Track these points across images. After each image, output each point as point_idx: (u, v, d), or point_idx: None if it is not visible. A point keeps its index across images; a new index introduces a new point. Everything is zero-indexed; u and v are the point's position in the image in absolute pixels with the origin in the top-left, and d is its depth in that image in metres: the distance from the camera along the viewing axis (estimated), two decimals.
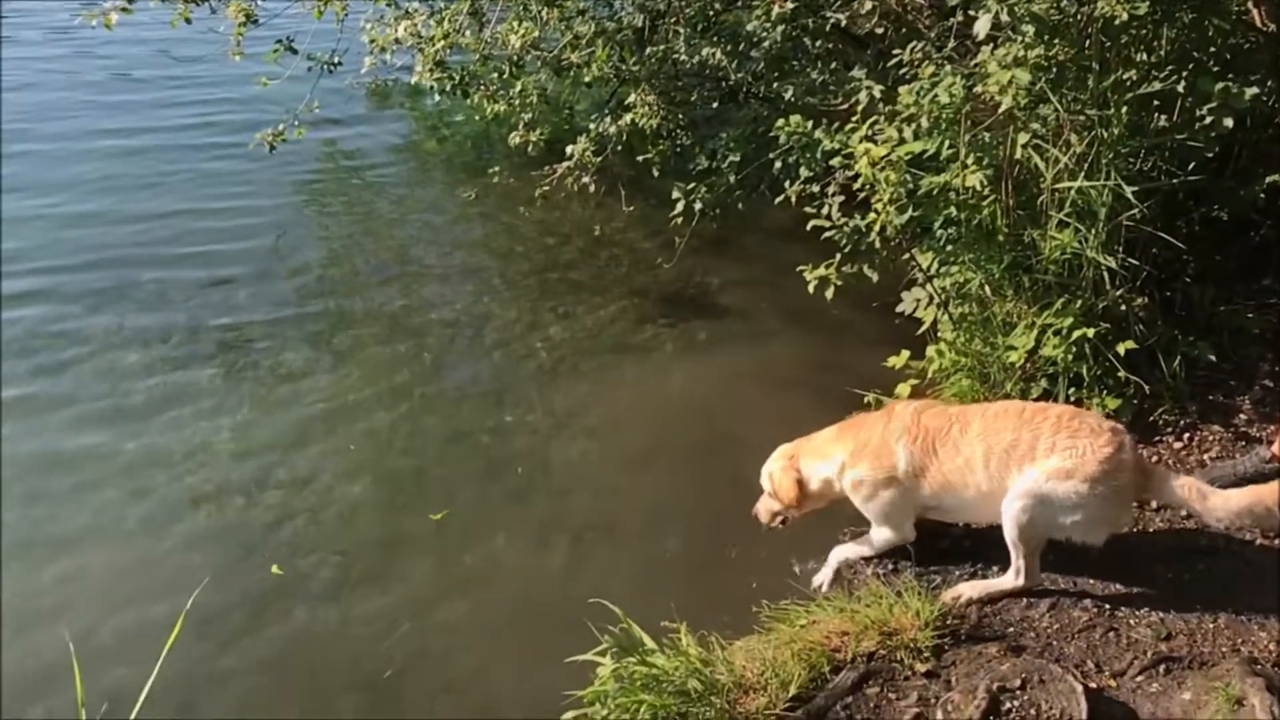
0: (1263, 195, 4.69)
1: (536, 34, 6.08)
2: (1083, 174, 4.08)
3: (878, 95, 4.88)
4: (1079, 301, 4.22)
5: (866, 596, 3.41)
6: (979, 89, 4.16)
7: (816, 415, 4.02)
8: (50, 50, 10.58)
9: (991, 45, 4.18)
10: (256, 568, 4.05)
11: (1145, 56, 4.27)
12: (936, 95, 4.22)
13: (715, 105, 6.53)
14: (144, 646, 3.32)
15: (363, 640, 3.72)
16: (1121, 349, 4.15)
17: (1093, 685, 3.07)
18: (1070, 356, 4.15)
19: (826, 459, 3.61)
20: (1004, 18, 4.04)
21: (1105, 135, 4.04)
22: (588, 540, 4.20)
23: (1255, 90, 4.06)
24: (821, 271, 4.63)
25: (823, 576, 3.79)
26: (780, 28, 5.66)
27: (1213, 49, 4.42)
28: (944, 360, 4.51)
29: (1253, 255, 5.08)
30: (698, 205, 5.79)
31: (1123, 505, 3.42)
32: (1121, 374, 4.18)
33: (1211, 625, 3.34)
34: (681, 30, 6.14)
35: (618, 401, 5.18)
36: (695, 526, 4.17)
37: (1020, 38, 4.09)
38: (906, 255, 4.74)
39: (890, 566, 3.74)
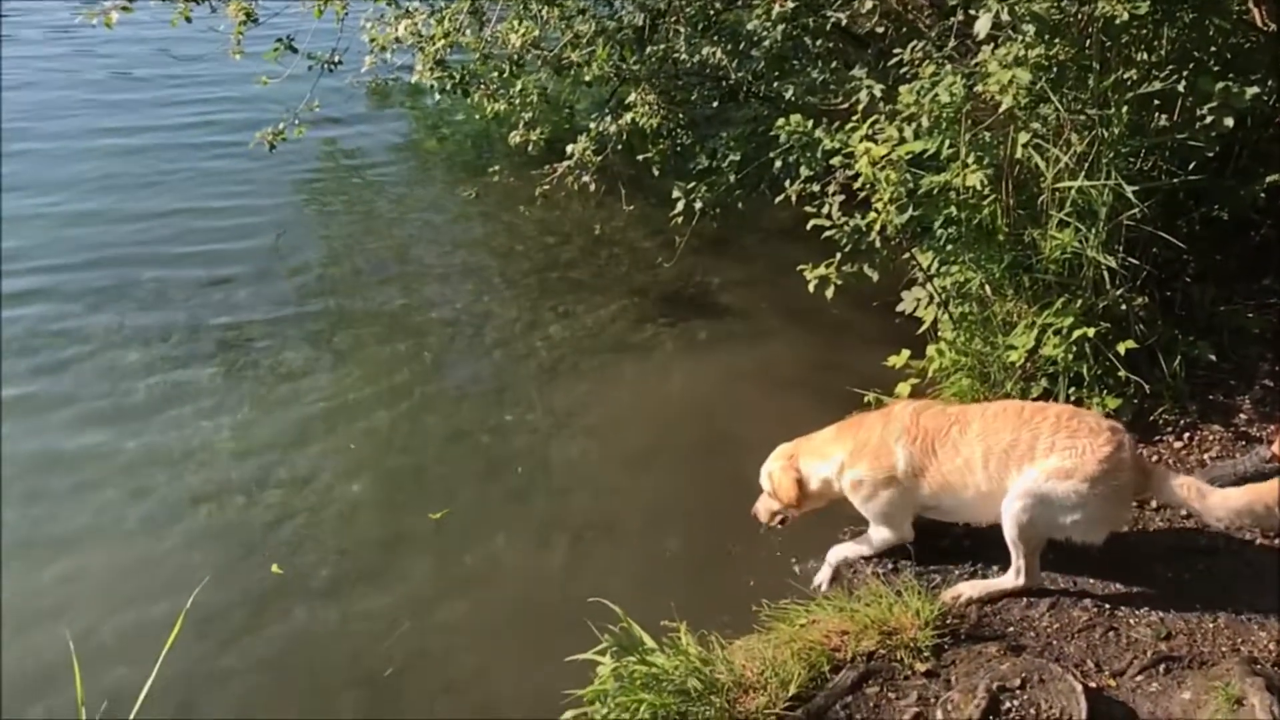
0: (1263, 195, 4.69)
1: (537, 33, 6.08)
2: (1083, 173, 4.08)
3: (878, 94, 4.87)
4: (1079, 301, 4.22)
5: (866, 596, 3.41)
6: (979, 88, 4.16)
7: (816, 414, 4.02)
8: (50, 49, 10.59)
9: (992, 44, 4.18)
10: (256, 567, 4.05)
11: (1146, 56, 4.27)
12: (937, 94, 4.22)
13: (715, 104, 6.53)
14: (144, 646, 3.33)
15: (362, 639, 3.72)
16: (1122, 348, 4.15)
17: (1092, 685, 3.07)
18: (1070, 356, 4.15)
19: (826, 459, 3.61)
20: (1004, 17, 4.04)
21: (1106, 135, 4.04)
22: (588, 539, 4.20)
23: (1256, 90, 4.06)
24: (822, 271, 4.63)
25: (821, 576, 3.79)
26: (781, 27, 5.66)
27: (1213, 48, 4.42)
28: (944, 360, 4.51)
29: (1253, 255, 5.08)
30: (698, 204, 5.79)
31: (1122, 504, 3.43)
32: (1122, 373, 4.18)
33: (1211, 625, 3.34)
34: (682, 29, 6.14)
35: (618, 401, 5.18)
36: (695, 526, 4.17)
37: (1021, 37, 4.09)
38: (907, 255, 4.74)
39: (890, 566, 3.75)
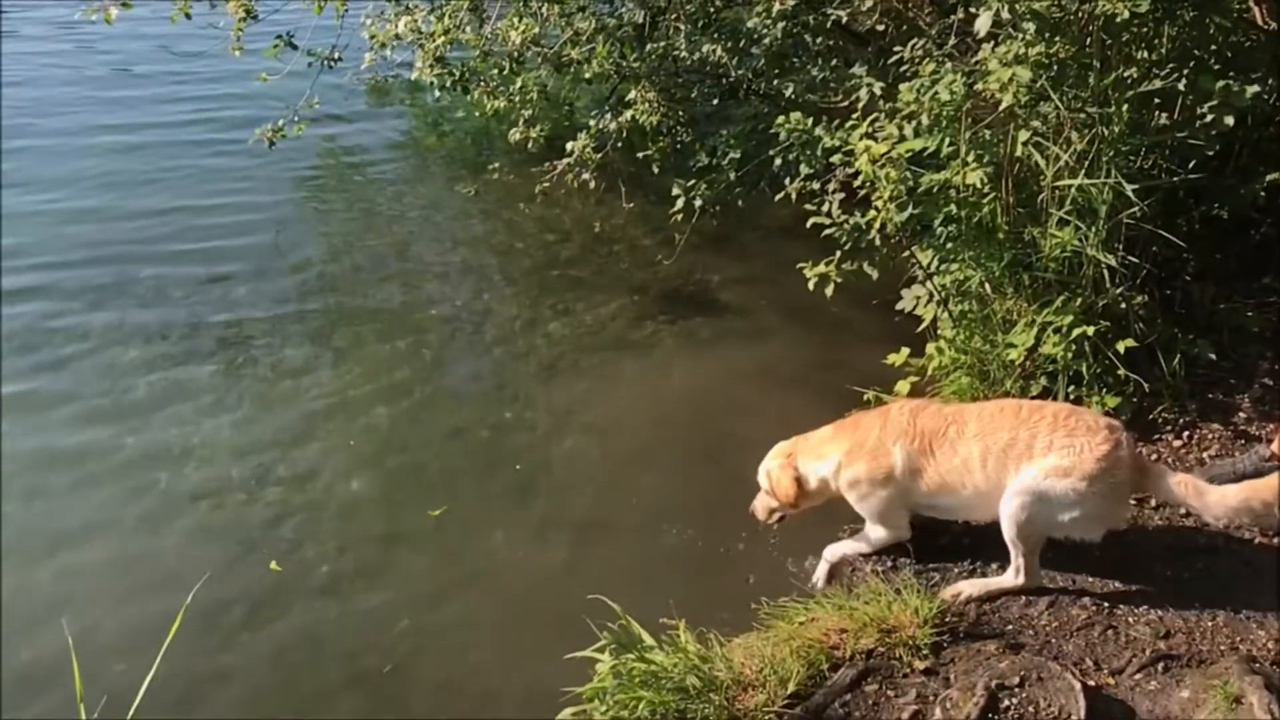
0: (1263, 193, 4.69)
1: (537, 30, 6.08)
2: (1083, 172, 4.08)
3: (878, 92, 4.88)
4: (1079, 299, 4.22)
5: (865, 594, 3.41)
6: (980, 86, 4.15)
7: (816, 412, 4.03)
8: (50, 45, 10.56)
9: (992, 42, 4.18)
10: (256, 564, 4.05)
11: (1146, 54, 4.26)
12: (937, 92, 4.21)
13: (715, 102, 6.53)
14: (143, 642, 3.32)
15: (362, 636, 3.73)
16: (1121, 347, 4.15)
17: (1091, 683, 3.07)
18: (1070, 354, 4.15)
19: (823, 458, 3.62)
20: (1005, 15, 4.04)
21: (1106, 133, 4.03)
22: (587, 537, 4.19)
23: (1256, 88, 4.05)
24: (821, 269, 4.63)
25: (818, 573, 3.80)
26: (781, 24, 5.67)
27: (1214, 47, 4.41)
28: (944, 358, 4.51)
29: (1253, 253, 5.08)
30: (698, 202, 5.78)
31: (1120, 502, 3.43)
32: (1121, 372, 4.18)
33: (1210, 623, 3.34)
34: (682, 27, 6.14)
35: (617, 398, 5.18)
36: (694, 523, 4.17)
37: (1021, 35, 4.09)
38: (906, 253, 4.74)
39: (889, 564, 3.75)
